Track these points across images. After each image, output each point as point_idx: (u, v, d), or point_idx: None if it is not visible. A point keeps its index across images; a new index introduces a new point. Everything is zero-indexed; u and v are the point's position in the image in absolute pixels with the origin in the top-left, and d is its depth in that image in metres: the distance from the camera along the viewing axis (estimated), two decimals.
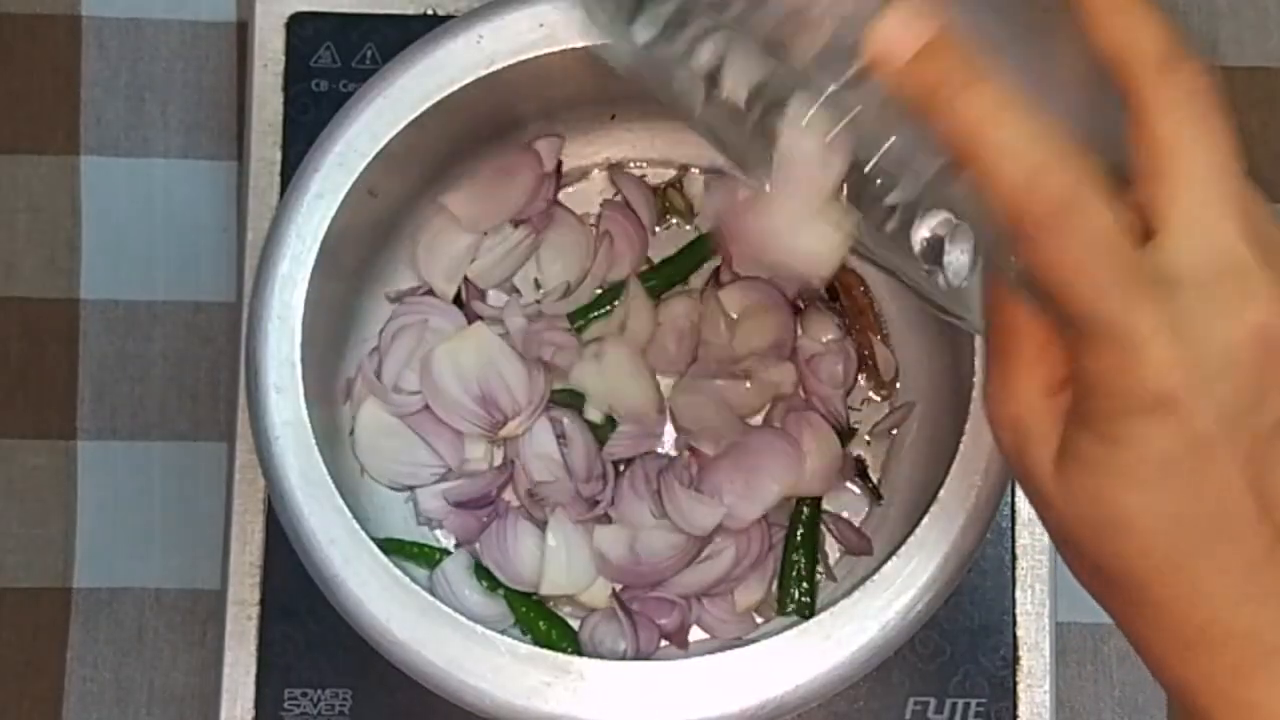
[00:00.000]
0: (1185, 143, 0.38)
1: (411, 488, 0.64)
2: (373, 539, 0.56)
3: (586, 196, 0.68)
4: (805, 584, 0.64)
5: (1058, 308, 0.38)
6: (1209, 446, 0.37)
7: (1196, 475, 0.38)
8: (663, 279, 0.67)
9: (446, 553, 0.64)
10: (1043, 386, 0.40)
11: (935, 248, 0.43)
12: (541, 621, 0.63)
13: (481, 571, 0.63)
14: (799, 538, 0.64)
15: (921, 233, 0.42)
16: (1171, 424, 0.37)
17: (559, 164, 0.66)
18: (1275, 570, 0.38)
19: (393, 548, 0.61)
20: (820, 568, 0.64)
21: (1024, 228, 0.37)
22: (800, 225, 0.43)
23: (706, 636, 0.64)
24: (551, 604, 0.64)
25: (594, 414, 0.65)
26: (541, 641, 0.62)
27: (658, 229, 0.67)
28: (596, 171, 0.68)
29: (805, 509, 0.64)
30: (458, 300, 0.66)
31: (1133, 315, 0.37)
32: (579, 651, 0.62)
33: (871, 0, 0.38)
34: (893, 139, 0.40)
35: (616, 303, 0.66)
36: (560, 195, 0.67)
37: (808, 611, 0.63)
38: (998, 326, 0.41)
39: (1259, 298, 0.37)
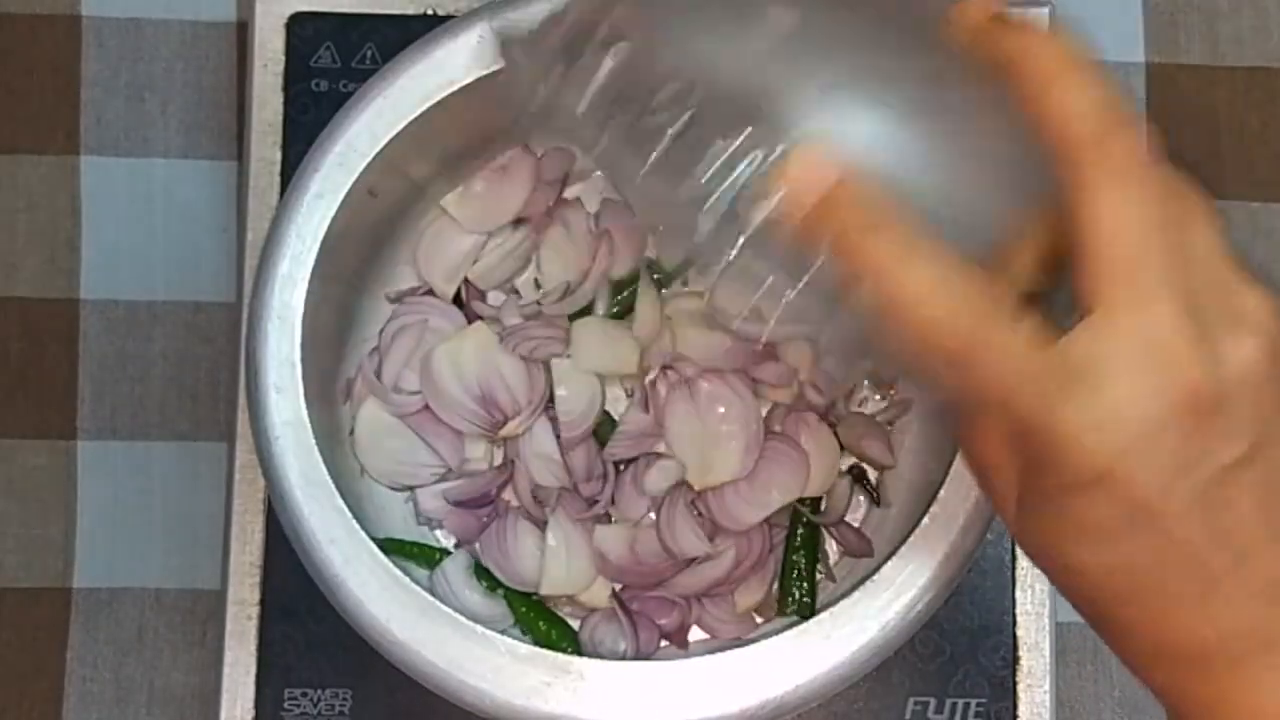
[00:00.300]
0: (1121, 223, 0.39)
1: (411, 488, 0.64)
2: (373, 539, 0.56)
3: (586, 196, 0.68)
4: (805, 584, 0.64)
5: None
6: (1149, 508, 0.39)
7: (1140, 533, 0.39)
8: (666, 275, 0.67)
9: (446, 553, 0.64)
10: (1005, 436, 0.41)
11: None
12: (541, 621, 0.63)
13: (481, 571, 0.63)
14: (799, 538, 0.64)
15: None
16: (1109, 495, 0.38)
17: (567, 174, 0.66)
18: (1242, 586, 0.40)
19: (393, 548, 0.61)
20: (820, 568, 0.64)
21: (939, 364, 0.39)
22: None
23: (706, 637, 0.64)
24: (551, 604, 0.64)
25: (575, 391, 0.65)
26: (541, 641, 0.62)
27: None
28: (597, 171, 0.68)
29: (805, 510, 0.64)
30: (458, 300, 0.66)
31: (1058, 414, 0.38)
32: (579, 651, 0.62)
33: (774, 144, 0.39)
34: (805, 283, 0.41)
35: (623, 296, 0.66)
36: (561, 195, 0.67)
37: (808, 612, 0.63)
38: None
39: (1183, 371, 0.38)
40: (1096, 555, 0.40)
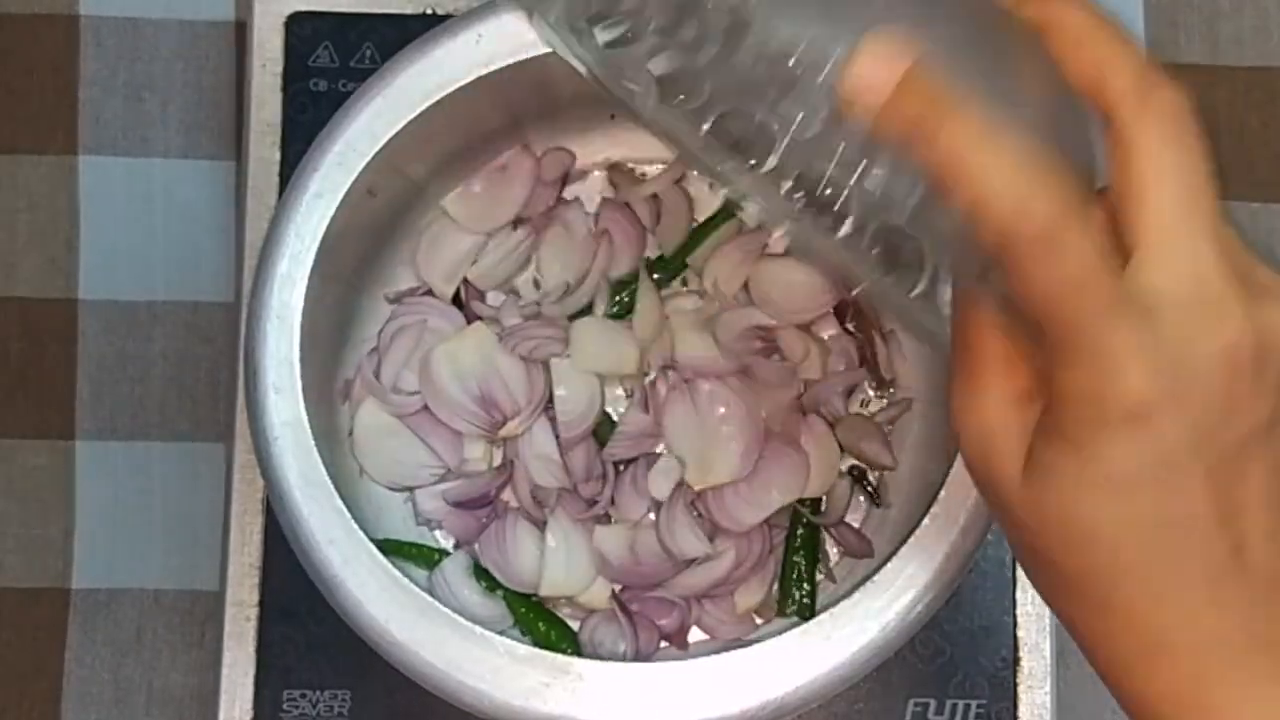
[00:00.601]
0: (1163, 167, 0.39)
1: (410, 488, 0.64)
2: (372, 539, 0.56)
3: (587, 196, 0.68)
4: (806, 585, 0.64)
5: (1037, 327, 0.39)
6: (1176, 460, 0.38)
7: (1163, 487, 0.39)
8: (665, 274, 0.66)
9: (445, 553, 0.64)
10: (1009, 398, 0.41)
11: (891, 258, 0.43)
12: (541, 622, 0.63)
13: (480, 572, 0.63)
14: (799, 539, 0.64)
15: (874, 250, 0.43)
16: (1142, 438, 0.38)
17: (567, 172, 0.66)
18: (1234, 579, 0.39)
19: (392, 548, 0.61)
20: (820, 569, 0.64)
21: (1009, 255, 0.37)
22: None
23: (706, 637, 0.64)
24: (551, 605, 0.64)
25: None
26: (541, 642, 0.62)
27: (657, 228, 0.67)
28: (596, 172, 0.68)
29: (806, 511, 0.64)
30: (457, 301, 0.66)
31: (1111, 336, 0.38)
32: (578, 652, 0.62)
33: (844, 40, 0.38)
34: (876, 173, 0.41)
35: (623, 296, 0.66)
36: (560, 195, 0.67)
37: (808, 613, 0.63)
38: (964, 340, 0.42)
39: (1230, 318, 0.38)
40: (1114, 511, 0.39)
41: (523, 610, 0.63)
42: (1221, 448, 0.39)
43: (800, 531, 0.64)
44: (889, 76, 0.38)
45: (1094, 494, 0.39)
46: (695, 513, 0.64)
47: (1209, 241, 0.39)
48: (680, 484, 0.64)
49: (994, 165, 0.37)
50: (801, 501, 0.64)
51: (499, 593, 0.63)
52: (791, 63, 0.40)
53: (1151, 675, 0.40)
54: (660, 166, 0.67)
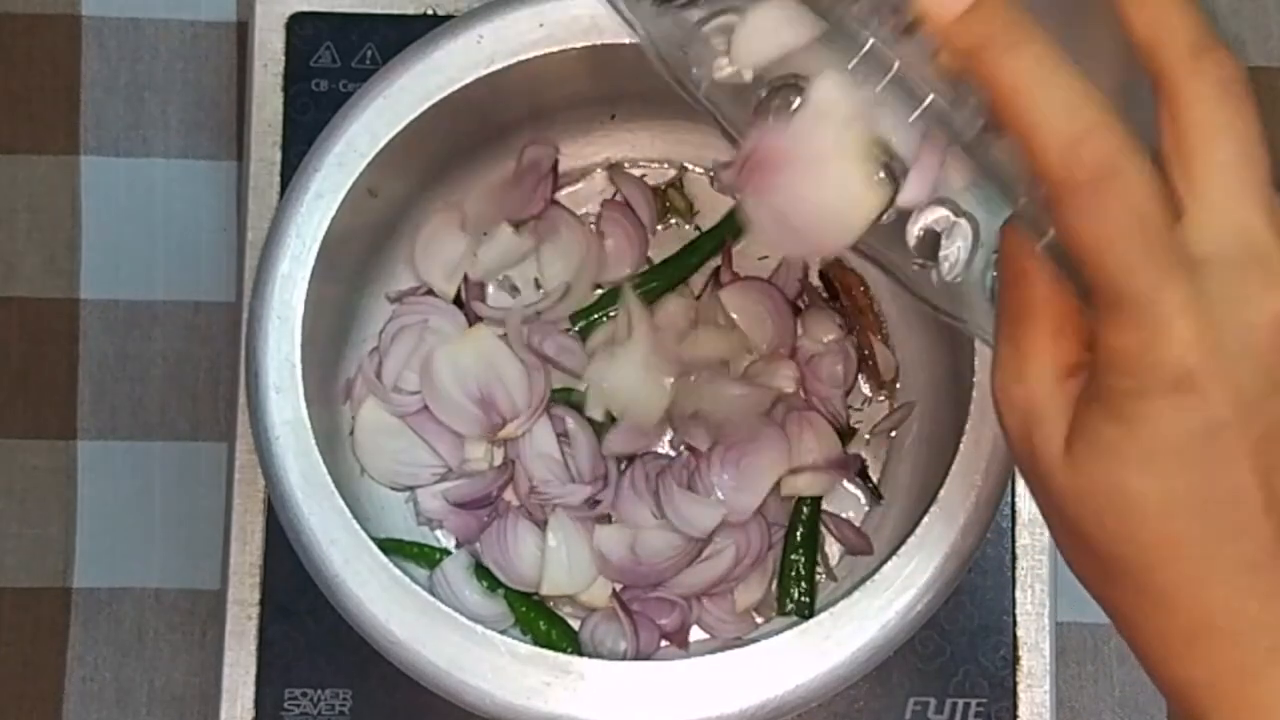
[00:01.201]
0: (1216, 128, 0.38)
1: (411, 488, 0.64)
2: (373, 539, 0.56)
3: (587, 196, 0.68)
4: (805, 584, 0.64)
5: (1086, 279, 0.38)
6: (1223, 431, 0.37)
7: (1209, 459, 0.38)
8: (664, 279, 0.66)
9: (446, 553, 0.64)
10: (1056, 369, 0.40)
11: (931, 243, 0.42)
12: (541, 621, 0.63)
13: (481, 571, 0.63)
14: (799, 537, 0.64)
15: (918, 226, 0.42)
16: (1188, 406, 0.37)
17: (555, 165, 0.66)
18: (1273, 558, 0.38)
19: (392, 547, 0.61)
20: (820, 568, 0.64)
21: (1063, 192, 0.37)
22: (829, 183, 0.42)
23: (706, 637, 0.64)
24: (552, 604, 0.64)
25: (596, 412, 0.64)
26: (542, 642, 0.62)
27: (658, 228, 0.67)
28: (597, 171, 0.68)
29: (805, 508, 0.64)
30: (458, 300, 0.66)
31: (1161, 291, 0.37)
32: (579, 652, 0.62)
33: None
34: (932, 99, 0.40)
35: (615, 307, 0.66)
36: (560, 195, 0.67)
37: (807, 611, 0.63)
38: (1013, 306, 0.41)
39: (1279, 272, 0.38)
40: (1159, 483, 0.38)
41: (524, 609, 0.63)
42: (1269, 421, 0.38)
43: (800, 529, 0.64)
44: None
45: (1137, 466, 0.38)
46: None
47: (1261, 205, 0.38)
48: (671, 463, 0.64)
49: (1057, 98, 0.36)
50: (804, 500, 0.64)
51: (500, 592, 0.63)
52: None
53: (1193, 661, 0.39)
54: (660, 166, 0.68)
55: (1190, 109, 0.38)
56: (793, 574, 0.64)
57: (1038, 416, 0.40)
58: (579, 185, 0.68)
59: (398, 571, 0.55)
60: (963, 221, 0.42)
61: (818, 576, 0.64)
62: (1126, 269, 0.37)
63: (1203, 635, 0.39)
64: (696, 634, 0.64)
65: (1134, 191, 0.37)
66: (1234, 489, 0.38)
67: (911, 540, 0.56)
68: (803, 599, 0.64)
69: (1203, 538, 0.38)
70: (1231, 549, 0.38)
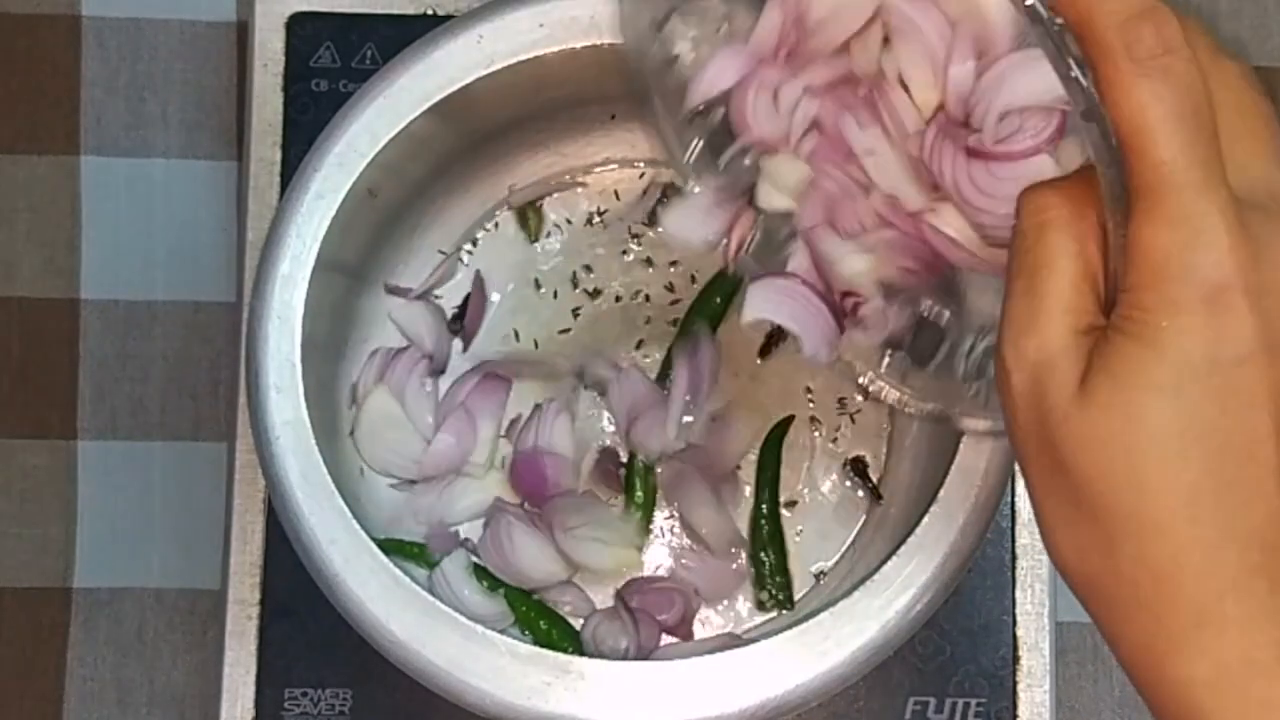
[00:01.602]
0: (1149, 121, 0.37)
1: (410, 481, 0.64)
2: (373, 539, 0.56)
3: (586, 197, 0.68)
4: (779, 578, 0.64)
5: (1126, 168, 0.36)
6: (1249, 363, 0.36)
7: (1231, 392, 0.36)
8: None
9: (446, 551, 0.64)
10: (1074, 319, 0.38)
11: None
12: (542, 621, 0.63)
13: (481, 571, 0.63)
14: (764, 535, 0.65)
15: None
16: (1217, 326, 0.36)
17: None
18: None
19: (393, 547, 0.61)
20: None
21: (1121, 64, 0.36)
22: None
23: (709, 634, 0.64)
24: (552, 603, 0.64)
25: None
26: (542, 641, 0.62)
27: (654, 232, 0.67)
28: (597, 170, 0.68)
29: (764, 505, 0.65)
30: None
31: (1206, 189, 0.36)
32: (580, 650, 0.62)
33: None
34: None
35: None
36: (559, 195, 0.68)
37: (789, 605, 0.64)
38: (1030, 260, 0.39)
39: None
40: (1181, 410, 0.36)
41: (524, 609, 0.63)
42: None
43: (763, 528, 0.65)
44: None
45: (1159, 392, 0.36)
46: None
47: (1208, 194, 0.37)
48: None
49: None
50: (760, 500, 0.65)
51: (500, 591, 0.63)
52: None
53: (1194, 655, 0.37)
54: (660, 166, 0.68)
55: (1122, 101, 0.37)
56: (766, 570, 0.65)
57: (1051, 365, 0.38)
58: (579, 185, 0.68)
59: (398, 571, 0.55)
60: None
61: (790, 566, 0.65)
62: (1175, 155, 0.36)
63: (1209, 622, 0.36)
64: (699, 632, 0.64)
65: (1191, 78, 0.36)
66: (1251, 435, 0.36)
67: (911, 540, 0.56)
68: (779, 594, 0.65)
69: (1215, 491, 0.36)
70: (1245, 516, 0.36)
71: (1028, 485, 0.40)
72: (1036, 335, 0.39)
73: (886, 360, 0.53)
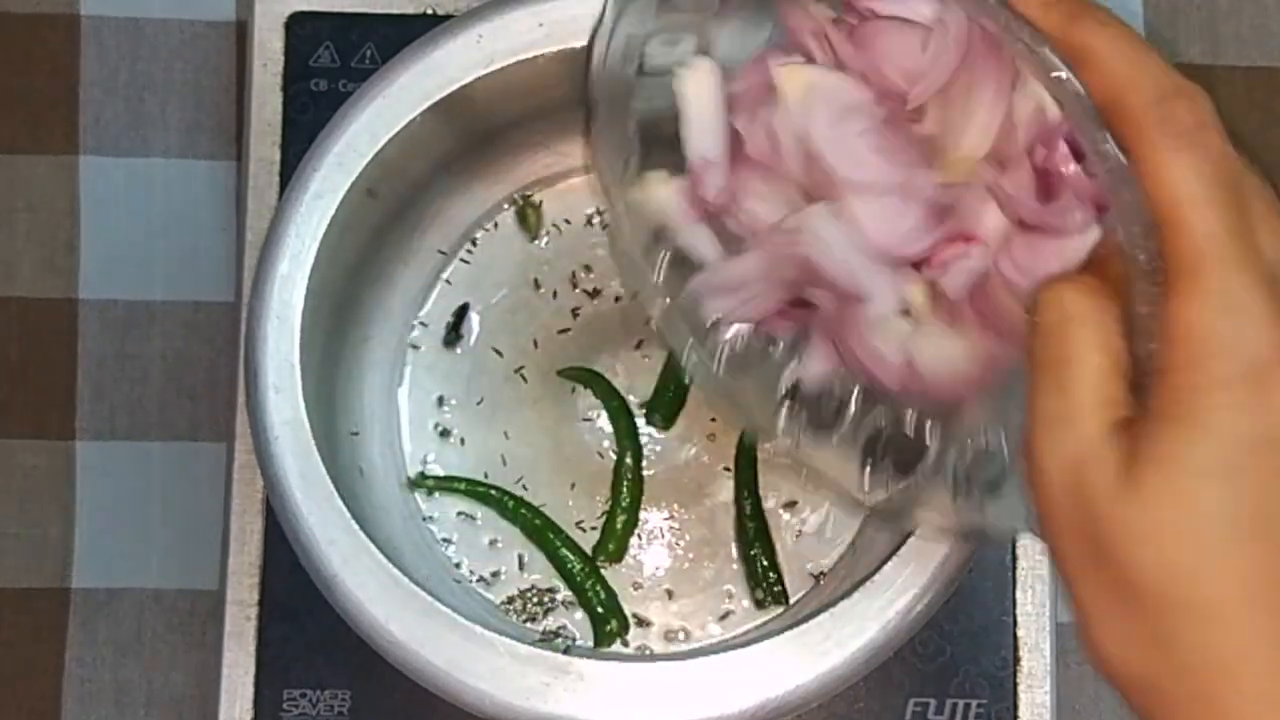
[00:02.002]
0: (1184, 194, 0.37)
1: None
2: (372, 539, 0.56)
3: (586, 197, 0.68)
4: (772, 574, 0.65)
5: (1160, 247, 0.36)
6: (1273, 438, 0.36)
7: (1273, 470, 0.36)
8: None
9: (471, 481, 0.65)
10: (1110, 410, 0.38)
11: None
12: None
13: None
14: (751, 533, 0.65)
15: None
16: (1264, 403, 0.35)
17: None
18: None
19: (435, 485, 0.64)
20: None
21: (1157, 139, 0.36)
22: None
23: (707, 640, 0.64)
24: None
25: None
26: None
27: None
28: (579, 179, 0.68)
29: (747, 504, 0.65)
30: None
31: (1247, 268, 0.36)
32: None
33: None
34: None
35: None
36: (559, 195, 0.68)
37: (784, 599, 0.65)
38: (1055, 355, 0.39)
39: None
40: (1230, 489, 0.36)
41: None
42: None
43: (750, 525, 0.65)
44: None
45: (1207, 474, 0.36)
46: None
47: (1241, 265, 0.36)
48: None
49: (1153, 59, 0.37)
50: (742, 499, 0.65)
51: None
52: None
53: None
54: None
55: (1157, 174, 0.37)
56: (758, 569, 0.65)
57: (1091, 458, 0.37)
58: (578, 185, 0.68)
59: (397, 571, 0.55)
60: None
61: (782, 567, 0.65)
62: (1214, 229, 0.35)
63: (1272, 713, 0.36)
64: (698, 633, 0.64)
65: (1226, 153, 0.36)
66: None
67: (911, 540, 0.56)
68: (773, 590, 0.65)
69: (1272, 576, 0.36)
70: None
71: (1066, 581, 0.39)
72: (1073, 430, 0.38)
73: (867, 471, 0.52)
